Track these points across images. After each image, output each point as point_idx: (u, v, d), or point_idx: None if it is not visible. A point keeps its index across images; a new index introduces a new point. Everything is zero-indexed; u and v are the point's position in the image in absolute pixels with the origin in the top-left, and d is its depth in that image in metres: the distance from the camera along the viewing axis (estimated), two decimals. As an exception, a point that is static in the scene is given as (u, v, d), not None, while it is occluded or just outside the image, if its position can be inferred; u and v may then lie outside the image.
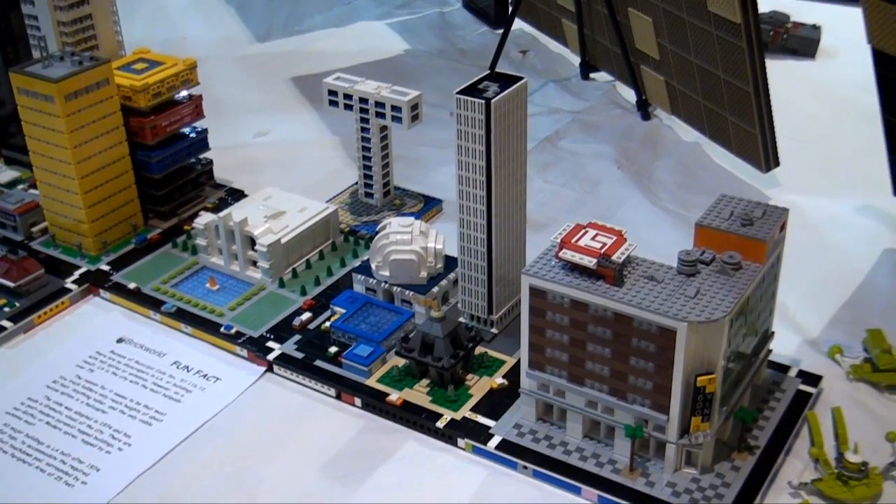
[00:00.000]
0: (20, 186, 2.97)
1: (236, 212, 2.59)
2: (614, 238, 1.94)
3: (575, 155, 3.24)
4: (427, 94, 2.74)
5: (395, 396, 2.18)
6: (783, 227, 2.01)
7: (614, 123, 3.42)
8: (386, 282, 2.42)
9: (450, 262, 2.46)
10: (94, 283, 2.61)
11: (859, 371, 2.22)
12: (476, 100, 2.12)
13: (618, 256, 1.89)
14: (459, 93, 2.15)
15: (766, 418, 2.09)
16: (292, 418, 2.20)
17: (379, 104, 2.73)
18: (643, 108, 3.40)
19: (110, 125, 2.64)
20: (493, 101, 2.11)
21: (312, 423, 2.19)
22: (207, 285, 2.57)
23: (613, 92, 3.61)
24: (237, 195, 2.97)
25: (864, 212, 2.85)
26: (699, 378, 1.84)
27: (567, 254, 1.91)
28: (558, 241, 1.95)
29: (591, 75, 3.73)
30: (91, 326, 2.50)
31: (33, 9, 2.79)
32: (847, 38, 3.83)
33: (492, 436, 2.07)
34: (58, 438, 2.16)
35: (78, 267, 2.67)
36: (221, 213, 2.58)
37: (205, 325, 2.43)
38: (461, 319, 2.35)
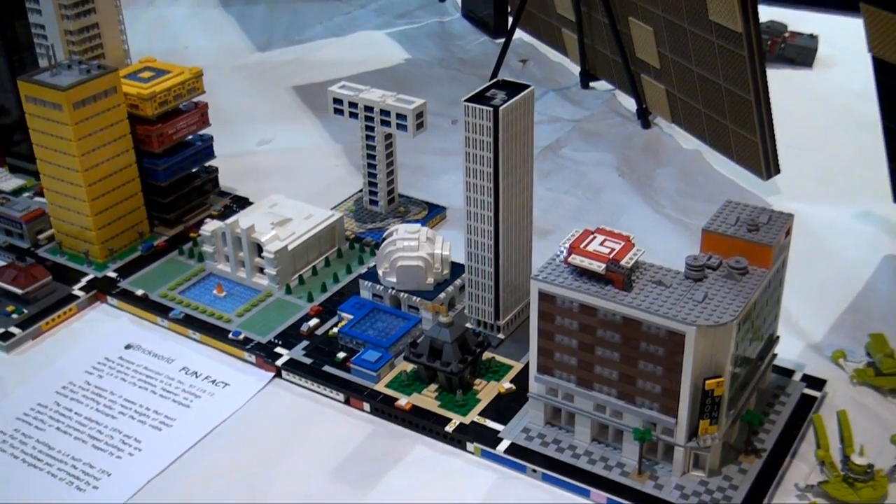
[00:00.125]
0: (25, 194, 2.98)
1: (243, 219, 2.61)
2: (622, 243, 1.96)
3: (576, 163, 3.26)
4: (428, 102, 2.76)
5: (403, 401, 2.19)
6: (788, 233, 2.04)
7: (615, 132, 3.45)
8: (393, 288, 2.44)
9: (456, 269, 2.48)
10: (102, 289, 2.62)
11: (862, 375, 2.24)
12: (484, 107, 2.14)
13: (626, 261, 1.92)
14: (467, 100, 2.18)
15: (771, 422, 2.11)
16: (301, 423, 2.22)
17: (384, 112, 2.75)
18: (643, 116, 3.43)
19: (117, 133, 2.66)
20: (501, 108, 2.14)
21: (321, 427, 2.21)
22: (214, 292, 2.58)
23: (613, 101, 3.64)
24: (242, 203, 2.99)
25: (863, 219, 2.88)
26: (707, 381, 1.87)
27: (576, 259, 1.93)
28: (567, 246, 1.97)
29: (591, 84, 3.77)
30: (99, 333, 2.52)
31: (40, 18, 2.81)
32: (844, 47, 3.88)
33: (500, 440, 2.09)
34: (68, 444, 2.17)
35: (85, 274, 2.68)
36: (228, 220, 2.60)
37: (213, 332, 2.44)
38: (468, 325, 2.37)
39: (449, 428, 2.13)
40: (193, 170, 2.91)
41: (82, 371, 2.38)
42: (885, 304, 2.51)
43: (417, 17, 4.56)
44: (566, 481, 2.00)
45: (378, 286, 2.46)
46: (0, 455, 2.14)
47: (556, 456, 2.04)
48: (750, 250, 1.96)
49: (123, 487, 2.05)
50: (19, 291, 2.54)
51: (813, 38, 3.89)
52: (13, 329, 2.47)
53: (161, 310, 2.53)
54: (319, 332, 2.43)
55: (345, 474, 2.08)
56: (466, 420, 2.15)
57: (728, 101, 2.95)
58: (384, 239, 2.49)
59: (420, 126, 2.75)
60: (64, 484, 2.06)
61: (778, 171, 2.93)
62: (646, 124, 3.43)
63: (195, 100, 2.86)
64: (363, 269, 2.63)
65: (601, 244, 1.96)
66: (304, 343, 2.39)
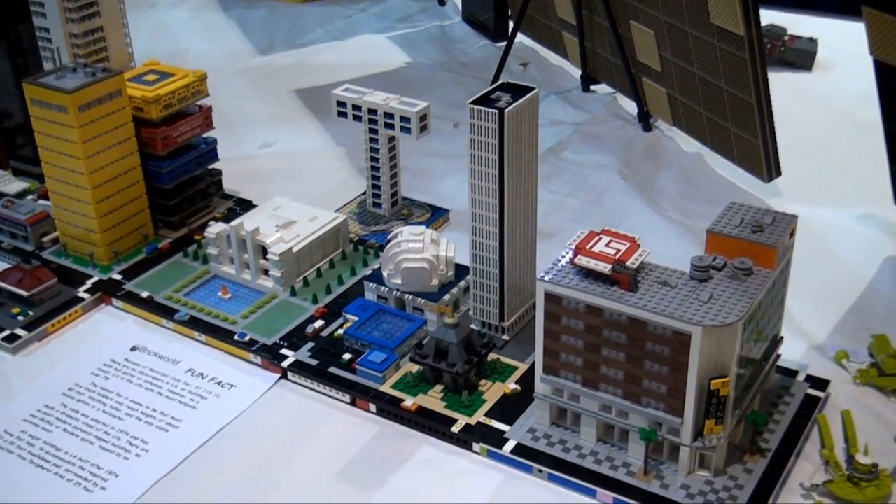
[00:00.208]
0: (29, 197, 2.99)
1: (247, 221, 2.62)
2: (628, 244, 1.98)
3: (578, 165, 3.28)
4: (430, 106, 2.77)
5: (409, 402, 2.20)
6: (792, 234, 2.05)
7: (616, 135, 3.46)
8: (398, 289, 2.45)
9: (460, 271, 2.49)
10: (107, 291, 2.63)
11: (866, 376, 2.26)
12: (490, 109, 2.16)
13: (632, 262, 1.93)
14: (473, 103, 2.19)
15: (775, 422, 2.12)
16: (308, 424, 2.23)
17: (388, 115, 2.76)
18: (644, 119, 3.45)
19: (122, 136, 2.67)
20: (506, 110, 2.15)
21: (328, 428, 2.22)
22: (219, 294, 2.59)
23: (614, 104, 3.66)
24: (246, 205, 3.00)
25: (864, 220, 2.89)
26: (713, 381, 1.88)
27: (582, 260, 1.95)
28: (573, 247, 1.98)
29: (592, 87, 3.78)
30: (104, 335, 2.53)
31: (45, 21, 2.82)
32: (843, 50, 3.90)
33: (507, 440, 2.10)
34: (76, 445, 2.17)
35: (89, 276, 2.69)
36: (233, 223, 2.61)
37: (218, 333, 2.45)
38: (472, 326, 2.38)
39: (455, 428, 2.14)
40: (197, 172, 2.91)
41: (88, 373, 2.39)
42: (887, 305, 2.53)
43: (418, 20, 4.58)
44: (572, 481, 2.01)
45: (383, 288, 2.48)
46: (8, 456, 2.15)
47: (563, 456, 2.05)
48: (754, 251, 1.97)
49: (131, 488, 2.06)
50: (25, 293, 2.54)
51: (812, 41, 3.91)
52: (19, 331, 2.48)
53: (166, 312, 2.54)
54: (325, 333, 2.44)
55: (351, 474, 2.09)
56: (472, 421, 2.16)
57: (729, 104, 2.97)
58: (389, 241, 2.50)
59: (424, 129, 2.76)
60: (72, 485, 2.07)
61: (779, 174, 2.94)
62: (647, 127, 3.45)
63: (199, 103, 2.87)
64: (367, 272, 2.64)
65: (607, 245, 1.98)
66: (310, 345, 2.40)
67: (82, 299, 2.60)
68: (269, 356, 2.37)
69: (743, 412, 2.02)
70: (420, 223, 2.82)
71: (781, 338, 2.19)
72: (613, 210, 3.01)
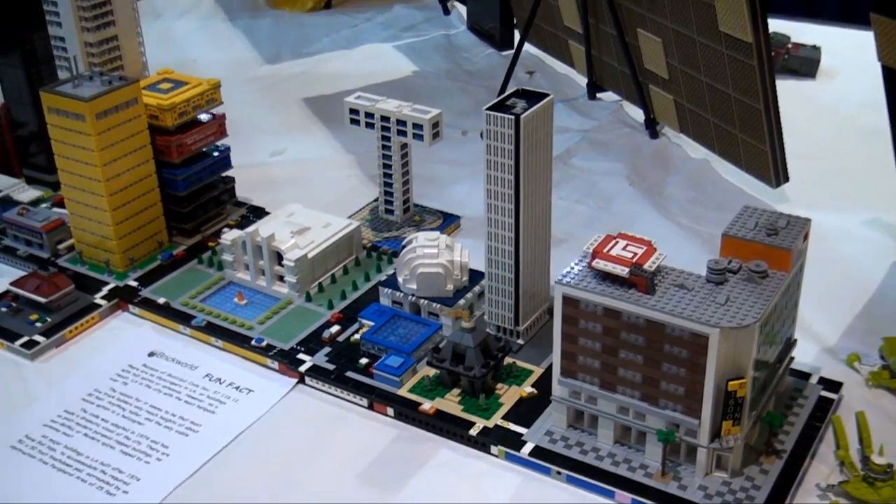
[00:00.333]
0: (43, 205, 3.00)
1: (262, 228, 2.64)
2: (645, 248, 2.00)
3: (586, 172, 3.31)
4: (439, 113, 2.82)
5: (427, 405, 2.23)
6: (806, 237, 2.08)
7: (623, 142, 3.49)
8: (413, 294, 2.47)
9: (474, 276, 2.52)
10: (123, 298, 2.65)
11: (878, 378, 2.28)
12: (506, 116, 2.19)
13: (649, 265, 1.95)
14: (489, 109, 2.22)
15: (790, 423, 2.14)
16: (326, 428, 2.25)
17: (400, 122, 2.79)
18: (651, 126, 3.48)
19: (138, 143, 2.70)
20: (522, 116, 2.18)
21: (346, 432, 2.24)
22: (235, 300, 2.61)
23: (621, 111, 3.69)
24: (259, 212, 3.02)
25: (871, 225, 2.92)
26: (730, 382, 1.90)
27: (600, 263, 1.97)
28: (590, 251, 2.01)
29: (599, 95, 3.81)
30: (122, 341, 2.55)
31: (60, 30, 2.85)
32: (846, 58, 3.94)
33: (524, 442, 2.12)
34: (97, 449, 2.19)
35: (105, 283, 2.71)
36: (248, 229, 2.63)
37: (235, 339, 2.47)
38: (488, 330, 2.40)
39: (473, 431, 2.16)
40: (211, 180, 2.94)
41: (107, 378, 2.41)
42: (897, 309, 2.56)
43: (423, 29, 4.61)
44: (591, 483, 2.03)
45: (398, 293, 2.50)
46: (30, 461, 2.17)
47: (580, 458, 2.07)
48: (769, 254, 2.00)
49: (153, 492, 2.08)
50: (42, 300, 2.56)
51: (816, 49, 3.94)
52: (37, 337, 2.50)
53: (183, 318, 2.56)
54: (341, 338, 2.46)
55: (370, 477, 2.11)
56: (490, 423, 2.18)
57: (737, 111, 3.00)
58: (403, 247, 2.52)
59: (436, 136, 2.79)
60: (94, 489, 2.09)
61: (787, 179, 2.97)
62: (654, 134, 3.48)
63: (212, 111, 2.89)
64: (381, 277, 2.66)
65: (624, 249, 2.00)
66: (327, 349, 2.42)
67: (99, 305, 2.62)
68: (287, 361, 2.39)
69: (759, 414, 2.04)
70: (432, 230, 2.85)
71: (795, 340, 2.22)
72: (623, 216, 3.03)
